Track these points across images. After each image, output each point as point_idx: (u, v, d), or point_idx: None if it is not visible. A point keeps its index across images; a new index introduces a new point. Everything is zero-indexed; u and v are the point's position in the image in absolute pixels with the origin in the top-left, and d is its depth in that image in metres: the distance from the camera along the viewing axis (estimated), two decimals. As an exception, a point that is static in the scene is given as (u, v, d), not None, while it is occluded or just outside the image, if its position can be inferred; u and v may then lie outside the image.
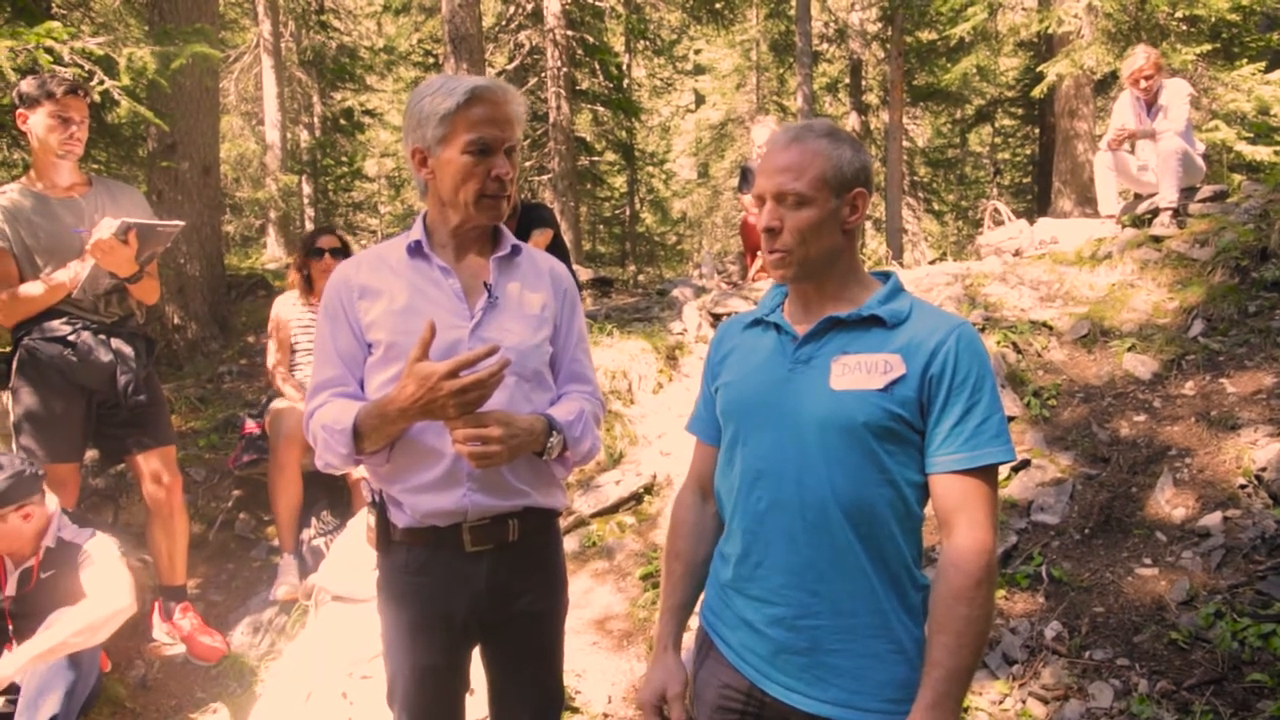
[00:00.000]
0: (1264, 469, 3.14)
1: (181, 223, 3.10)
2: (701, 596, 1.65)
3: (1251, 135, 7.19)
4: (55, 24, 3.41)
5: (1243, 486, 3.17)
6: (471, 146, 1.63)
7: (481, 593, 1.74)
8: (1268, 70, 7.41)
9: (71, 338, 3.00)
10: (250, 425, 3.95)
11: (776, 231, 1.44)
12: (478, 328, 1.69)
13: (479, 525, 1.71)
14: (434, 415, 1.56)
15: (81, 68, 3.51)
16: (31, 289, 2.95)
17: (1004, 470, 3.50)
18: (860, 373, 1.39)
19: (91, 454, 3.49)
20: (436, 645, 1.77)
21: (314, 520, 3.78)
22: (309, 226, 13.74)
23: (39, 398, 3.02)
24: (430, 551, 1.73)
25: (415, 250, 1.73)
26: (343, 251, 3.96)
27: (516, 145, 1.70)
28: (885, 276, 1.53)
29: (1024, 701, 2.63)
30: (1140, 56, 5.18)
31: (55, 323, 3.01)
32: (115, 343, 3.10)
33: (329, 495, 3.87)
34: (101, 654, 2.96)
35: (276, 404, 3.84)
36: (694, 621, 1.66)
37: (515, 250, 1.80)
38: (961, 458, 1.36)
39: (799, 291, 1.52)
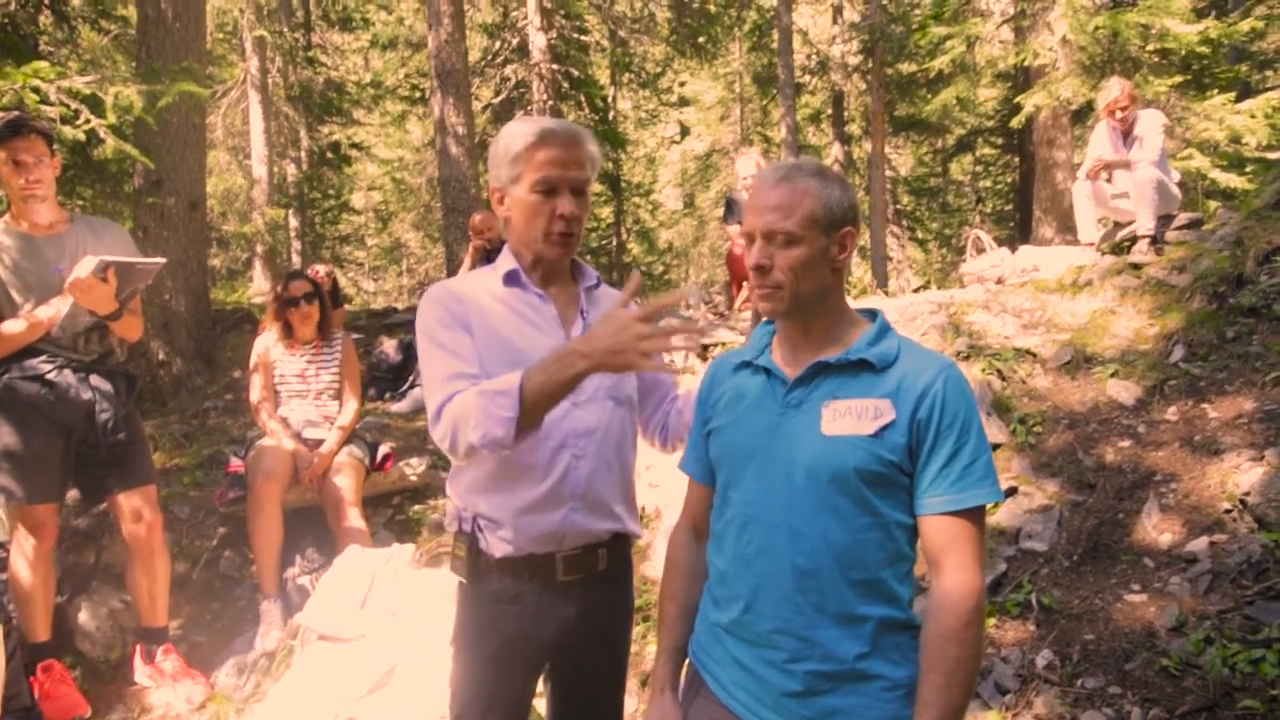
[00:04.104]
0: (1248, 493, 3.16)
1: (162, 260, 3.09)
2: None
3: (1225, 164, 7.34)
4: (42, 63, 3.43)
5: (1228, 511, 3.19)
6: (538, 186, 1.72)
7: (569, 622, 1.77)
8: (1238, 100, 7.59)
9: (51, 376, 2.97)
10: (235, 463, 3.92)
11: (766, 269, 1.45)
12: None
13: (571, 554, 1.76)
14: (616, 358, 1.46)
15: (68, 106, 3.52)
16: (11, 326, 2.92)
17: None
18: (851, 418, 1.40)
19: (72, 494, 3.45)
20: (515, 675, 1.79)
21: (298, 558, 3.73)
22: (296, 260, 13.74)
23: (18, 436, 2.97)
24: (522, 581, 1.75)
25: (512, 278, 1.79)
26: (316, 294, 3.96)
27: (585, 185, 1.77)
28: (872, 315, 1.54)
29: (1018, 732, 2.61)
30: (1115, 88, 5.30)
31: (35, 360, 2.98)
32: (95, 380, 3.06)
33: (314, 533, 3.84)
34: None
35: (261, 442, 3.81)
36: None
37: (598, 282, 1.90)
38: (949, 499, 1.37)
39: (787, 330, 1.53)
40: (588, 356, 1.48)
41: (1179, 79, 7.71)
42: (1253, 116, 7.25)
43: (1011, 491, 3.60)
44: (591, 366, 1.49)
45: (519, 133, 1.75)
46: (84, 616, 3.53)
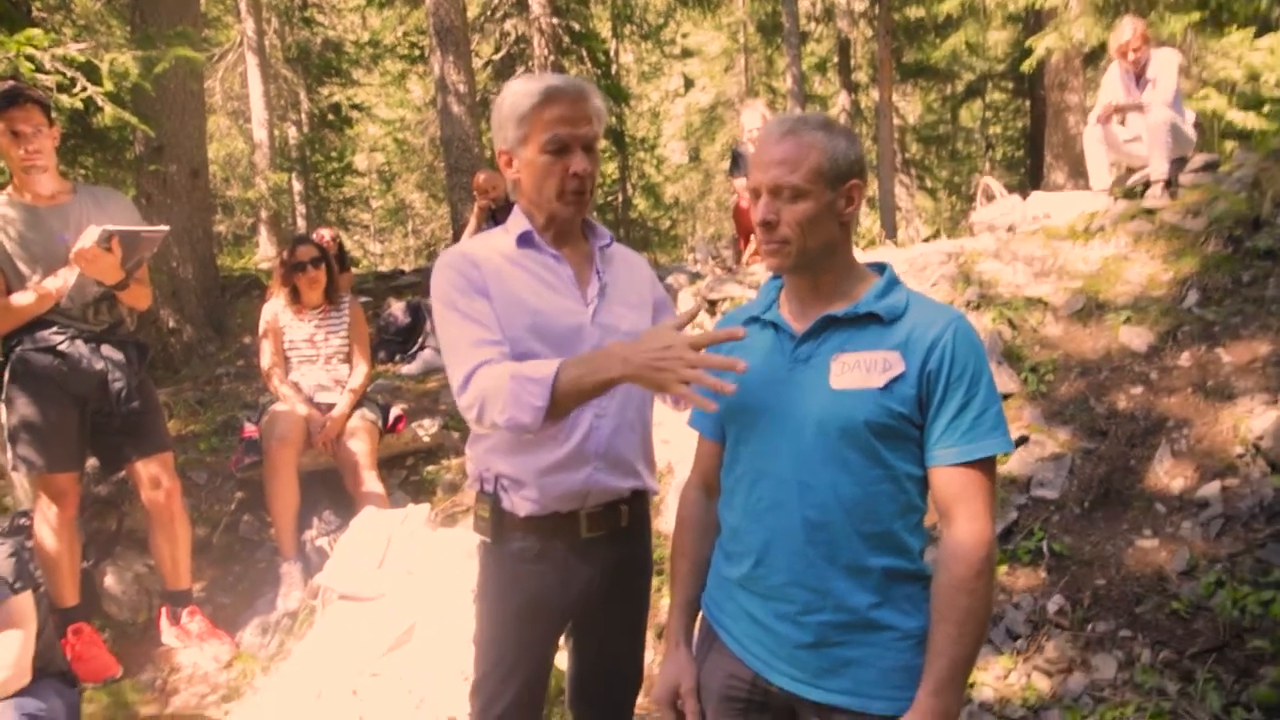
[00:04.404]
0: (1261, 437, 3.15)
1: (166, 228, 3.09)
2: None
3: (1242, 103, 7.17)
4: (36, 31, 3.39)
5: (1240, 455, 3.19)
6: (549, 145, 1.69)
7: (593, 578, 1.79)
8: (1257, 36, 7.38)
9: (63, 347, 3.00)
10: (249, 429, 3.96)
11: (773, 224, 1.43)
12: (596, 314, 1.75)
13: (594, 511, 1.77)
14: (655, 374, 1.41)
15: (64, 75, 3.48)
16: (21, 299, 2.94)
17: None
18: (860, 371, 1.39)
19: (92, 462, 3.50)
20: (539, 634, 1.82)
21: (316, 520, 3.79)
22: (300, 224, 13.70)
23: (35, 407, 3.01)
24: (546, 540, 1.76)
25: (526, 240, 1.77)
26: (323, 258, 3.96)
27: (595, 140, 1.74)
28: (880, 269, 1.53)
29: (1029, 675, 2.65)
30: (1127, 29, 5.15)
31: (46, 332, 3.00)
32: (106, 350, 3.09)
33: (330, 495, 3.89)
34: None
35: (274, 407, 3.84)
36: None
37: (611, 241, 1.88)
38: (959, 451, 1.37)
39: (794, 285, 1.52)
40: (626, 363, 1.45)
41: (1196, 16, 7.50)
42: (1272, 52, 7.06)
43: (1023, 440, 3.60)
44: (627, 375, 1.46)
45: (523, 92, 1.71)
46: (110, 581, 3.61)
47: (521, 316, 1.69)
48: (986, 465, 1.38)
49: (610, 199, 17.47)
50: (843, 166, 1.43)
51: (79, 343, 3.04)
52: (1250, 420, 3.27)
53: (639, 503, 1.87)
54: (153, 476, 3.26)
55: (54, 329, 3.02)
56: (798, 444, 1.42)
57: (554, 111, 1.68)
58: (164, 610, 3.43)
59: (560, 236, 1.80)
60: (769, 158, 1.43)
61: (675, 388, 1.39)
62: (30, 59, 3.43)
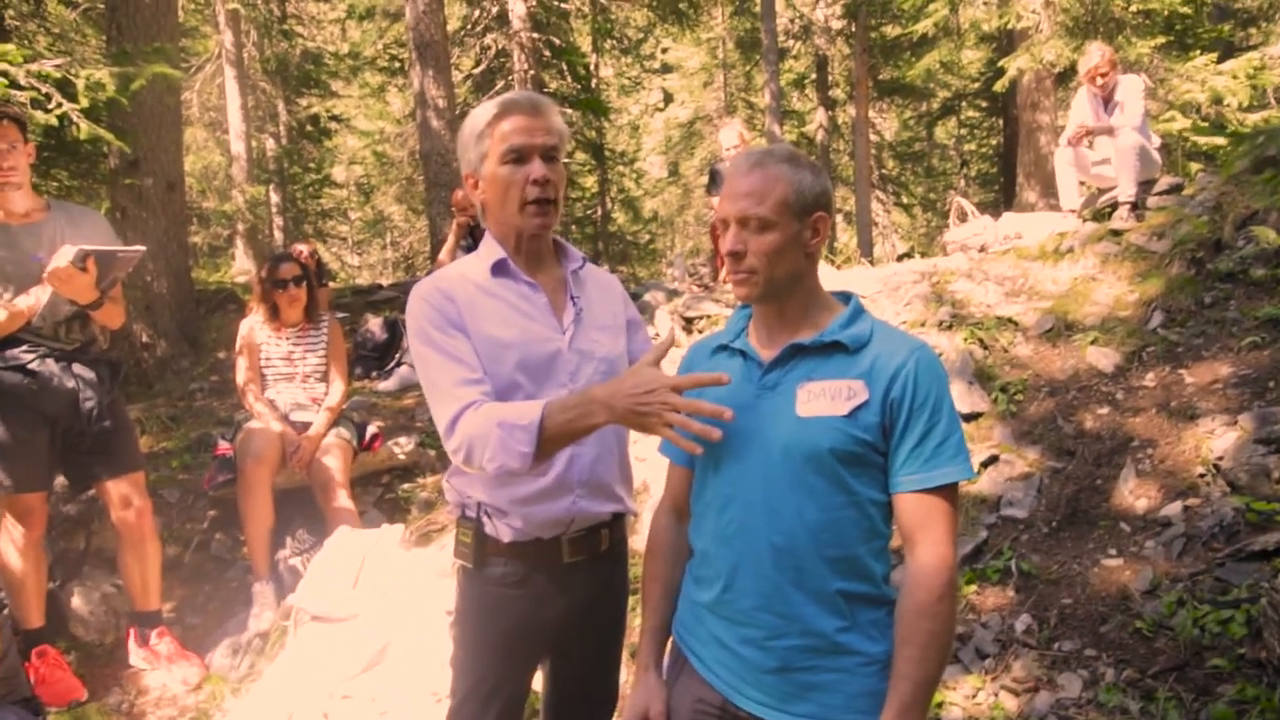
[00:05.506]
0: (1221, 458, 3.23)
1: (142, 248, 3.08)
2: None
3: (1207, 125, 7.36)
4: (9, 47, 3.36)
5: (1202, 475, 3.26)
6: (507, 156, 1.71)
7: (573, 603, 1.80)
8: (1220, 61, 7.58)
9: (33, 365, 2.97)
10: (223, 446, 3.93)
11: (741, 255, 1.47)
12: (572, 340, 1.76)
13: (576, 537, 1.78)
14: (639, 419, 1.46)
15: (39, 91, 3.46)
16: None
17: (974, 466, 3.56)
18: (825, 399, 1.42)
19: (60, 480, 3.46)
20: (520, 658, 1.82)
21: (289, 539, 3.76)
22: (277, 236, 13.62)
23: (3, 426, 2.97)
24: (528, 565, 1.77)
25: (500, 269, 1.77)
26: (305, 276, 3.95)
27: (555, 150, 1.74)
28: (846, 298, 1.56)
29: (996, 695, 2.69)
30: (1095, 54, 5.30)
31: (16, 350, 2.97)
32: (77, 369, 3.06)
33: (304, 514, 3.86)
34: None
35: (249, 424, 3.81)
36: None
37: (584, 263, 1.88)
38: (922, 477, 1.40)
39: (762, 314, 1.56)
40: (610, 410, 1.48)
41: (1162, 40, 7.70)
42: (1234, 77, 7.25)
43: (993, 460, 3.66)
44: (612, 420, 1.50)
45: (480, 111, 1.75)
46: (77, 601, 3.56)
47: (499, 349, 1.70)
48: (948, 491, 1.42)
49: (590, 212, 17.51)
50: (808, 199, 1.47)
51: (50, 361, 3.02)
52: (1211, 441, 3.34)
53: (618, 525, 1.89)
54: (123, 496, 3.23)
55: (24, 347, 2.99)
56: (765, 469, 1.44)
57: (510, 123, 1.71)
58: (132, 631, 3.39)
59: (533, 259, 1.80)
60: (737, 190, 1.47)
61: (661, 431, 1.43)
62: (4, 74, 3.41)
